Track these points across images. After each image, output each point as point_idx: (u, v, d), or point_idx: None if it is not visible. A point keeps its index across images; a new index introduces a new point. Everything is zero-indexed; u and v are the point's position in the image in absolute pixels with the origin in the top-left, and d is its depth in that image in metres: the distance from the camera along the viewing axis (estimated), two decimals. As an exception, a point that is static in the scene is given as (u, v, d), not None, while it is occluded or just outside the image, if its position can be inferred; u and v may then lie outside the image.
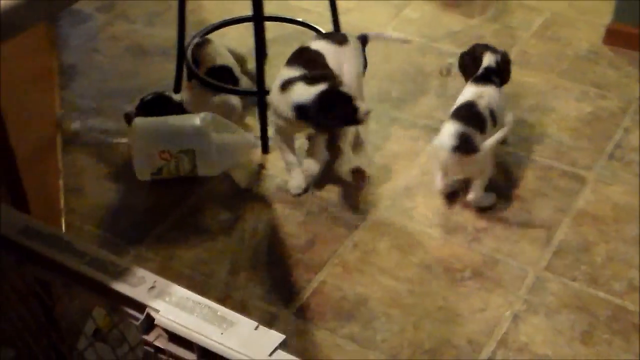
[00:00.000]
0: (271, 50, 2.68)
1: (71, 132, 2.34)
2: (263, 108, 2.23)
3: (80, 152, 2.28)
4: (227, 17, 2.66)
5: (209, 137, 2.06)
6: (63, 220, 1.97)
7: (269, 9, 2.84)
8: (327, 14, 2.49)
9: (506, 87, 2.51)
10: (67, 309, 1.21)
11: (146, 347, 1.00)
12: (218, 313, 1.00)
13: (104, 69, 2.63)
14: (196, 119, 2.09)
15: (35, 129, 1.92)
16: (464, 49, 2.68)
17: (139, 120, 2.09)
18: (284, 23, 2.71)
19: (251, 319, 0.96)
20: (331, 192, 2.16)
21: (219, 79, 2.30)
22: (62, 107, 2.43)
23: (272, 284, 1.90)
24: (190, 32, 2.50)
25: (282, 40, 2.73)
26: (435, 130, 2.34)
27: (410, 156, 2.28)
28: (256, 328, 0.97)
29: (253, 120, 2.35)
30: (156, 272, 1.00)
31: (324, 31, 2.48)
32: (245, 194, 2.15)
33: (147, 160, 2.06)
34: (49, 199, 1.91)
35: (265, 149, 2.27)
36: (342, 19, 2.82)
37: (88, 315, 1.46)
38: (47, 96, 2.30)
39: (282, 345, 0.95)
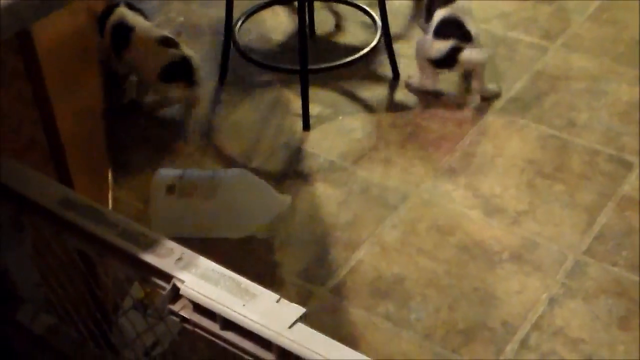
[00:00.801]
0: (320, 30, 2.69)
1: (119, 106, 2.40)
2: (305, 85, 2.25)
3: (129, 126, 2.35)
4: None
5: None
6: (110, 195, 2.03)
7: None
8: None
9: (556, 71, 2.50)
10: (105, 280, 1.26)
11: (172, 317, 1.05)
12: (241, 285, 1.03)
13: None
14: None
15: (84, 101, 1.98)
16: (515, 30, 2.68)
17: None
18: (336, 3, 2.73)
19: (287, 295, 0.99)
20: (373, 173, 2.18)
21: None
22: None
23: (310, 262, 1.94)
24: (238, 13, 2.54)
25: (332, 21, 2.75)
26: (481, 112, 2.35)
27: (454, 138, 2.28)
28: (278, 301, 1.00)
29: (296, 97, 2.37)
30: (197, 251, 1.03)
31: (372, 12, 2.50)
32: (287, 171, 2.19)
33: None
34: (97, 173, 1.97)
35: (307, 126, 2.30)
36: (392, 2, 2.84)
37: (127, 286, 1.51)
38: (91, 73, 2.35)
39: (303, 318, 0.98)
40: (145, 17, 2.47)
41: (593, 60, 2.56)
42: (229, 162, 2.22)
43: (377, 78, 2.51)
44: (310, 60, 2.47)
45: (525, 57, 2.58)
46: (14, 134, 1.32)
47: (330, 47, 2.63)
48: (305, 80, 2.25)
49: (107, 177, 2.08)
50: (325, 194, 2.12)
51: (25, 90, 1.32)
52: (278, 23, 2.75)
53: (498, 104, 2.39)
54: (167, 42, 2.33)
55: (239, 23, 2.51)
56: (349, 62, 2.37)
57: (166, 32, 2.41)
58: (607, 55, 2.58)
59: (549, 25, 2.72)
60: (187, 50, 2.35)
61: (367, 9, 2.55)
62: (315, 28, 2.68)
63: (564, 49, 2.61)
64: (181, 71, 2.32)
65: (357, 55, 2.38)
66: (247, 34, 2.69)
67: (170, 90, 2.34)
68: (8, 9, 0.92)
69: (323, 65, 2.40)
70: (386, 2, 2.40)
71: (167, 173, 1.99)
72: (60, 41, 1.56)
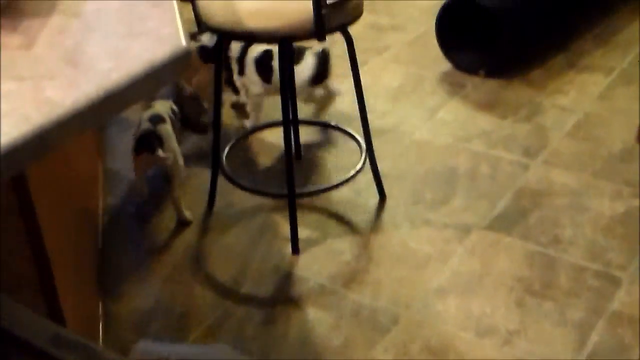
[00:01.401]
0: (307, 154, 2.75)
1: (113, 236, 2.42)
2: (293, 209, 2.28)
3: (120, 256, 2.35)
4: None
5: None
6: (101, 326, 2.02)
7: (306, 112, 2.96)
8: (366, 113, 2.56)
9: (539, 187, 2.55)
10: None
11: None
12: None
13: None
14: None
15: (77, 236, 1.99)
16: (496, 148, 2.74)
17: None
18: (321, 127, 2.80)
19: None
20: (364, 295, 2.18)
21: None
22: (105, 213, 2.52)
23: (303, 388, 1.91)
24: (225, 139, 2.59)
25: (318, 144, 2.81)
26: (467, 231, 2.38)
27: (442, 258, 2.30)
28: None
29: (284, 221, 2.40)
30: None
31: (356, 134, 2.56)
32: (278, 296, 2.18)
33: None
34: (87, 304, 1.96)
35: (296, 250, 2.32)
36: (379, 122, 2.92)
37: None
38: (92, 203, 2.39)
39: None
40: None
41: (574, 175, 2.62)
42: (218, 288, 2.22)
43: (364, 199, 2.55)
44: (298, 183, 2.51)
45: (507, 175, 2.63)
46: (4, 269, 1.33)
47: (318, 169, 2.68)
48: (292, 205, 2.28)
49: (98, 307, 2.07)
50: (316, 318, 2.11)
51: (18, 226, 1.33)
52: (265, 147, 2.81)
53: (484, 222, 2.42)
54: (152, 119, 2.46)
55: (226, 149, 2.56)
56: (335, 185, 2.41)
57: (162, 112, 2.51)
58: (586, 170, 2.64)
59: (528, 143, 2.79)
60: (164, 127, 2.44)
61: (352, 132, 2.61)
62: (302, 150, 2.74)
63: (544, 166, 2.67)
64: (147, 142, 2.40)
65: (342, 179, 2.42)
66: (235, 159, 2.74)
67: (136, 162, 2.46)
68: (2, 154, 0.95)
69: (310, 189, 2.44)
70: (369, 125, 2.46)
71: (146, 348, 1.95)
72: (54, 178, 1.59)
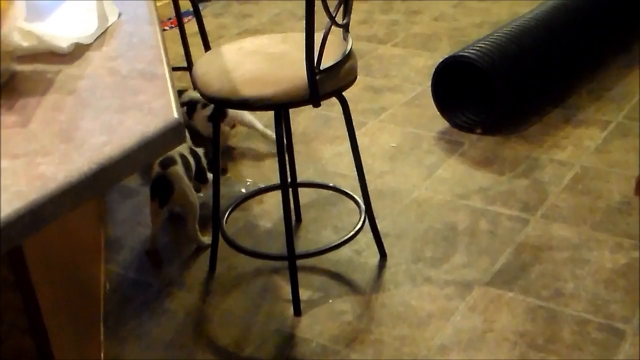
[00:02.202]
0: (306, 215, 2.78)
1: (114, 303, 2.43)
2: (293, 272, 2.30)
3: (122, 323, 2.36)
4: (264, 183, 2.82)
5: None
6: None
7: (306, 174, 3.00)
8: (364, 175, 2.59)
9: (538, 242, 2.56)
10: None
11: None
12: None
13: (146, 240, 2.75)
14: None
15: (77, 305, 2.01)
16: (495, 204, 2.76)
17: None
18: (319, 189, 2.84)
19: None
20: (366, 355, 2.17)
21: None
22: (107, 281, 2.54)
23: None
24: (225, 203, 2.63)
25: (318, 205, 2.84)
26: (468, 288, 2.38)
27: (444, 315, 2.30)
28: None
29: (286, 283, 2.41)
30: None
31: (354, 195, 2.60)
32: (280, 359, 2.19)
33: None
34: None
35: (298, 312, 2.32)
36: (377, 181, 2.95)
37: None
38: (93, 271, 2.41)
39: None
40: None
41: (573, 229, 2.63)
42: (221, 352, 2.22)
43: (364, 258, 2.56)
44: (299, 245, 2.53)
45: (507, 230, 2.65)
46: (3, 343, 1.34)
47: (318, 230, 2.70)
48: (293, 267, 2.29)
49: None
50: (319, 380, 2.11)
51: (15, 301, 1.35)
52: (265, 210, 2.83)
53: (485, 278, 2.43)
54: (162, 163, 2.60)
55: (227, 213, 2.58)
56: (334, 246, 2.43)
57: (174, 154, 2.64)
58: (586, 224, 2.65)
59: (527, 198, 2.81)
60: (173, 169, 2.57)
61: (350, 192, 2.64)
62: (301, 212, 2.77)
63: (544, 220, 2.68)
64: (158, 188, 2.58)
65: (342, 239, 2.44)
66: (236, 222, 2.77)
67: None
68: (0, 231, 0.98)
69: (310, 251, 2.46)
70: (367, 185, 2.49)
71: None
72: (53, 248, 1.61)
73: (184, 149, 2.69)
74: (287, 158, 2.57)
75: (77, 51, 1.49)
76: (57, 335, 1.45)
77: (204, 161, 2.79)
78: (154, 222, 2.63)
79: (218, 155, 2.39)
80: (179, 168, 2.59)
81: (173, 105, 1.26)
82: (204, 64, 2.26)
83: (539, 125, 3.27)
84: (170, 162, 2.58)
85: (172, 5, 3.23)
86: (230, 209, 2.63)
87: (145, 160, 1.19)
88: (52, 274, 1.61)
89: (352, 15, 2.27)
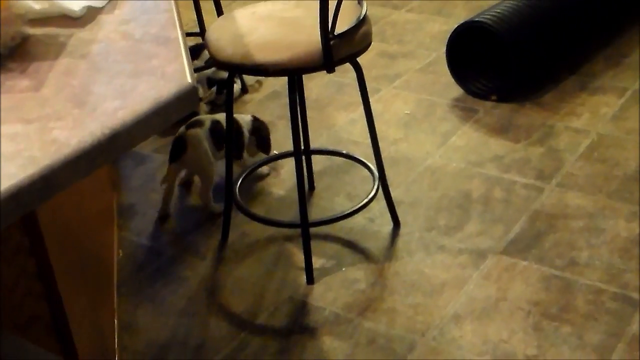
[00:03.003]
0: (320, 182, 2.76)
1: (128, 271, 2.44)
2: (307, 240, 2.29)
3: (136, 290, 2.37)
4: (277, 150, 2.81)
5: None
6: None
7: (319, 142, 2.98)
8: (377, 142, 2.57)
9: (553, 210, 2.54)
10: None
11: None
12: None
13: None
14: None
15: (90, 271, 2.01)
16: (510, 173, 2.74)
17: None
18: (333, 156, 2.82)
19: None
20: (379, 323, 2.17)
21: None
22: (120, 248, 2.54)
23: (320, 419, 1.91)
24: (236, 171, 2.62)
25: (331, 172, 2.82)
26: (482, 256, 2.37)
27: (458, 284, 2.29)
28: None
29: (299, 251, 2.40)
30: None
31: (368, 163, 2.57)
32: (293, 327, 2.18)
33: None
34: (103, 339, 1.97)
35: (311, 280, 2.32)
36: (391, 149, 2.92)
37: None
38: (107, 237, 2.40)
39: None
40: None
41: (588, 198, 2.61)
42: (234, 319, 2.22)
43: (378, 226, 2.55)
44: (312, 213, 2.52)
45: (521, 198, 2.63)
46: (16, 309, 1.34)
47: (331, 197, 2.69)
48: (306, 235, 2.28)
49: (114, 342, 2.08)
50: (332, 347, 2.10)
51: (29, 265, 1.35)
52: (278, 177, 2.82)
53: (499, 246, 2.42)
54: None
55: (239, 181, 2.57)
56: (348, 214, 2.41)
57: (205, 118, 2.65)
58: (601, 192, 2.63)
59: (542, 166, 2.78)
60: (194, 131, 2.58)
61: (364, 160, 2.62)
62: (315, 180, 2.75)
63: (559, 189, 2.66)
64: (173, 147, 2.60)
65: (355, 207, 2.42)
66: (248, 190, 2.76)
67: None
68: (9, 196, 0.96)
69: (323, 219, 2.44)
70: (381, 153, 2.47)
71: None
72: (66, 215, 1.61)
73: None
74: (300, 125, 2.55)
75: (90, 15, 1.47)
76: (71, 300, 1.44)
77: (246, 136, 2.74)
78: (163, 181, 2.63)
79: (231, 122, 2.37)
80: (202, 131, 2.58)
81: (187, 70, 1.24)
82: (216, 29, 2.23)
83: (554, 93, 3.23)
84: (196, 124, 2.59)
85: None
86: (242, 176, 2.62)
87: (159, 126, 1.17)
88: (66, 240, 1.61)
89: (367, -20, 2.24)
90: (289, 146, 2.87)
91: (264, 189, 2.77)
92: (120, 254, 2.50)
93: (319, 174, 2.81)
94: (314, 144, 2.96)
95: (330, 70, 2.10)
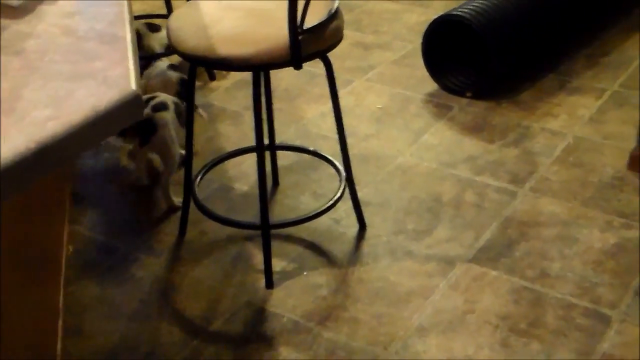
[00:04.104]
0: (284, 179, 2.65)
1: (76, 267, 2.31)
2: (267, 242, 2.17)
3: (84, 289, 2.24)
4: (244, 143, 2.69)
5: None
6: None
7: (287, 135, 2.86)
8: (347, 141, 2.45)
9: (526, 217, 2.45)
10: None
11: None
12: None
13: (116, 200, 2.61)
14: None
15: (35, 268, 1.88)
16: (483, 175, 2.64)
17: None
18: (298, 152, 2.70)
19: None
20: (340, 333, 2.07)
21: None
22: (71, 243, 2.41)
23: None
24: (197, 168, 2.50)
25: (297, 168, 2.71)
26: (450, 264, 2.27)
27: (424, 293, 2.19)
28: None
29: (259, 252, 2.29)
30: None
31: (335, 161, 2.46)
32: (249, 335, 2.07)
33: None
34: (43, 344, 1.85)
35: (270, 284, 2.21)
36: (361, 145, 2.81)
37: None
38: (56, 231, 2.27)
39: None
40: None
41: (563, 204, 2.52)
42: (187, 325, 2.10)
43: (343, 228, 2.44)
44: (275, 211, 2.41)
45: (493, 203, 2.53)
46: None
47: (296, 195, 2.58)
48: (267, 238, 2.17)
49: (56, 347, 1.95)
50: (289, 358, 2.00)
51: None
52: (242, 172, 2.70)
53: (468, 254, 2.32)
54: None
55: (200, 175, 2.45)
56: (311, 216, 2.30)
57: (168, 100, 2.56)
58: (576, 199, 2.54)
59: (516, 169, 2.69)
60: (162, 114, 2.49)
61: (331, 158, 2.50)
62: (279, 176, 2.64)
63: (532, 194, 2.57)
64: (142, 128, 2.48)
65: (319, 209, 2.31)
66: (210, 184, 2.64)
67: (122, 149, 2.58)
68: None
69: (285, 220, 2.33)
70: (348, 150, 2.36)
71: None
72: (8, 204, 1.48)
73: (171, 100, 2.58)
74: (266, 118, 2.43)
75: (30, 4, 1.34)
76: (6, 299, 1.32)
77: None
78: (130, 163, 2.59)
79: (192, 113, 2.25)
80: (168, 115, 2.50)
81: (132, 75, 1.12)
82: (180, 17, 2.10)
83: (531, 91, 3.14)
84: (162, 106, 2.50)
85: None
86: (204, 170, 2.49)
87: (97, 138, 1.05)
88: (7, 232, 1.48)
89: (340, -30, 2.12)
90: (253, 140, 2.74)
91: (226, 184, 2.65)
92: (70, 250, 2.37)
93: (284, 169, 2.69)
94: (281, 138, 2.84)
95: (298, 66, 1.98)
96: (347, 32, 3.60)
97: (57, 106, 1.04)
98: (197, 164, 2.51)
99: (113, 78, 1.11)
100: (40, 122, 1.01)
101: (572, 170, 2.68)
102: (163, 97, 2.56)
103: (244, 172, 2.70)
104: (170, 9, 3.37)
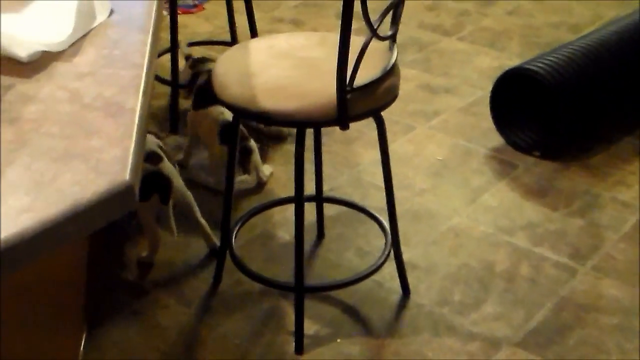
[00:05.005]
0: (330, 230, 2.51)
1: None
2: (300, 304, 2.04)
3: (104, 332, 2.15)
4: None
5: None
6: None
7: (338, 182, 2.72)
8: (400, 194, 2.30)
9: (584, 299, 2.25)
10: None
11: None
12: None
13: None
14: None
15: (55, 315, 1.79)
16: (542, 246, 2.46)
17: None
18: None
19: None
20: (367, 414, 1.92)
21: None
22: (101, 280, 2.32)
23: None
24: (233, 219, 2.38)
25: (345, 220, 2.57)
26: (496, 346, 2.09)
27: (463, 377, 2.03)
28: None
29: (292, 311, 2.15)
30: None
31: (382, 220, 2.31)
32: (272, 406, 1.94)
33: None
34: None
35: (300, 349, 2.07)
36: (415, 200, 2.66)
37: None
38: (75, 276, 2.19)
39: None
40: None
41: (627, 289, 2.31)
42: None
43: (385, 292, 2.29)
44: (316, 267, 2.29)
45: (550, 280, 2.34)
46: None
47: (340, 251, 2.43)
48: (300, 300, 2.04)
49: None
50: None
51: None
52: (286, 219, 2.57)
53: (516, 336, 2.14)
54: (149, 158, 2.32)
55: (241, 222, 2.33)
56: (350, 282, 2.15)
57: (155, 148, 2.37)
58: (642, 283, 2.33)
59: (579, 242, 2.49)
60: (166, 164, 2.33)
61: (378, 216, 2.35)
62: (325, 227, 2.50)
63: (594, 273, 2.37)
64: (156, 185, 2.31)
65: (360, 274, 2.16)
66: (253, 229, 2.52)
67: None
68: None
69: (321, 284, 2.20)
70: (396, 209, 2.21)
71: None
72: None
73: (155, 144, 2.40)
74: (313, 171, 2.31)
75: (43, 59, 1.24)
76: (15, 341, 1.22)
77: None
78: (150, 224, 2.36)
79: (234, 154, 2.12)
80: (169, 163, 2.35)
81: (130, 160, 1.00)
82: (226, 61, 1.98)
83: (604, 155, 2.92)
84: (157, 157, 2.32)
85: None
86: (246, 217, 2.37)
87: (76, 234, 0.93)
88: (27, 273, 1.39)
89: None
90: (311, 184, 2.58)
91: (269, 231, 2.53)
92: (90, 294, 2.27)
93: (331, 220, 2.55)
94: (332, 184, 2.71)
95: (344, 127, 1.84)
96: (414, 73, 3.45)
97: (36, 194, 0.93)
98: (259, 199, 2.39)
99: (107, 162, 0.99)
100: (13, 214, 0.90)
101: (641, 249, 2.47)
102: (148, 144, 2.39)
103: (288, 219, 2.57)
104: (234, 34, 3.29)
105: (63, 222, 0.91)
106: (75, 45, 1.28)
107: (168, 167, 2.33)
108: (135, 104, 1.12)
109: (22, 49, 1.20)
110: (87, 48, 1.28)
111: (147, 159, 2.31)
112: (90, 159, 1.00)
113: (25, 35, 1.23)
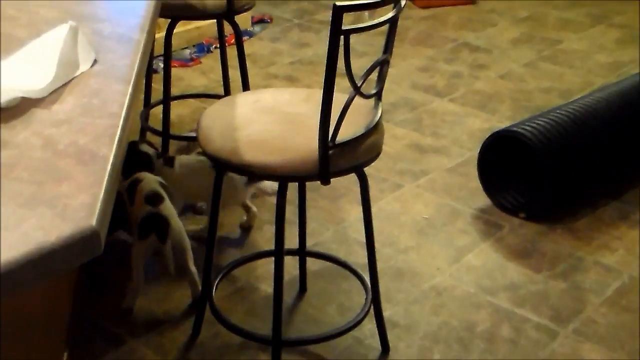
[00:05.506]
0: (313, 285, 2.51)
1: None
2: (277, 358, 2.03)
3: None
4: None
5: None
6: None
7: (322, 237, 2.73)
8: (384, 251, 2.30)
9: (563, 365, 2.24)
10: None
11: None
12: None
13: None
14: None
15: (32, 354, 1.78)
16: (523, 307, 2.45)
17: None
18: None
19: None
20: None
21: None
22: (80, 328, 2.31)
23: None
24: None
25: (328, 275, 2.57)
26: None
27: None
28: None
29: None
30: None
31: (364, 276, 2.32)
32: None
33: None
34: None
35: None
36: (399, 257, 2.67)
37: None
38: (57, 316, 2.18)
39: None
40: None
41: (607, 354, 2.30)
42: None
43: (365, 349, 2.28)
44: (296, 321, 2.29)
45: (530, 342, 2.33)
46: None
47: (321, 306, 2.43)
48: (277, 354, 2.03)
49: None
50: None
51: None
52: (269, 272, 2.57)
53: (494, 398, 2.13)
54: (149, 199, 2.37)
55: (222, 273, 2.33)
56: (329, 336, 2.15)
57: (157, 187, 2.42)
58: (623, 349, 2.32)
59: (561, 305, 2.49)
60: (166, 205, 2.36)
61: (360, 272, 2.36)
62: (307, 281, 2.50)
63: (575, 337, 2.36)
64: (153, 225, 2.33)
65: (339, 329, 2.16)
66: (234, 281, 2.52)
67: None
68: None
69: (299, 337, 2.19)
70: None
71: None
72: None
73: (156, 182, 2.46)
74: (296, 225, 2.32)
75: (22, 105, 1.26)
76: None
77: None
78: (138, 267, 2.36)
79: (217, 207, 2.14)
80: (169, 203, 2.39)
81: (97, 206, 1.01)
82: (212, 114, 2.01)
83: (589, 219, 2.94)
84: (158, 198, 2.37)
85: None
86: (227, 269, 2.38)
87: (36, 279, 0.94)
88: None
89: (413, 61, 2.02)
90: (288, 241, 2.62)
91: (251, 284, 2.53)
92: (72, 335, 2.26)
93: (314, 275, 2.55)
94: (316, 239, 2.72)
95: (325, 182, 1.86)
96: (405, 132, 3.49)
97: None
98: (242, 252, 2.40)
99: (74, 208, 1.01)
100: (-26, 257, 0.91)
101: (623, 315, 2.46)
102: (147, 180, 2.44)
103: (270, 272, 2.55)
104: (227, 88, 3.34)
105: (25, 265, 0.92)
106: (55, 93, 1.31)
107: (168, 208, 2.37)
108: (109, 152, 1.14)
109: (1, 95, 1.22)
110: (66, 96, 1.30)
111: (148, 199, 2.36)
112: (58, 204, 1.01)
113: (5, 81, 1.26)
